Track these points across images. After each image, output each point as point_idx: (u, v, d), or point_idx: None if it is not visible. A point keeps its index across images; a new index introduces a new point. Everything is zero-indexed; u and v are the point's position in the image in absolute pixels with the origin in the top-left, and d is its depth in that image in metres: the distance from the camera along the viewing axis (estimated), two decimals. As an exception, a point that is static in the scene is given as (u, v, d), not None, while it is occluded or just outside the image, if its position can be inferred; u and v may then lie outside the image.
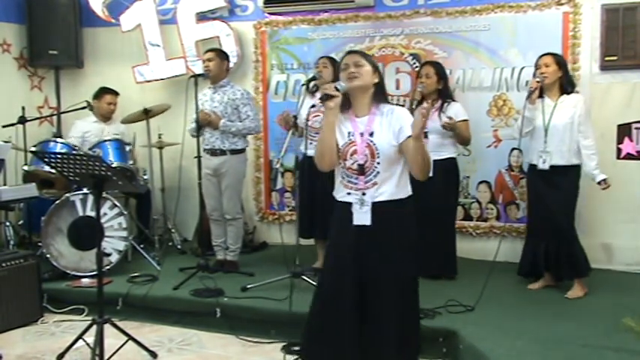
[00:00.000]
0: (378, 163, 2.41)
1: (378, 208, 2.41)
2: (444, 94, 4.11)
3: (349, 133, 2.46)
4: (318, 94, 3.97)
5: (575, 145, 3.69)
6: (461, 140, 4.15)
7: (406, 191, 2.49)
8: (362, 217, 2.42)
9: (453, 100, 4.15)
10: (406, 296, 2.48)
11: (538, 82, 3.70)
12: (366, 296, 2.42)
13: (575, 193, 3.77)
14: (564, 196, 3.74)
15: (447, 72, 4.44)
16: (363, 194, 2.42)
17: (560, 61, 3.76)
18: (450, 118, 3.98)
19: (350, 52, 2.55)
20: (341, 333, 2.43)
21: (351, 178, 2.45)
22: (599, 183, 3.69)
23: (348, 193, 2.46)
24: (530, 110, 3.73)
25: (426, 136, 4.01)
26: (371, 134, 2.42)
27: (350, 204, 2.45)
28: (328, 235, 2.69)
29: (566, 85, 3.75)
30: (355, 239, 2.44)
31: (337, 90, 2.37)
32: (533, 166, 3.83)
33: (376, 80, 2.48)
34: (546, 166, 3.71)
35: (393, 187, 2.43)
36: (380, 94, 2.51)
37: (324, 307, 2.50)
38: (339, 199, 2.51)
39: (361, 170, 2.42)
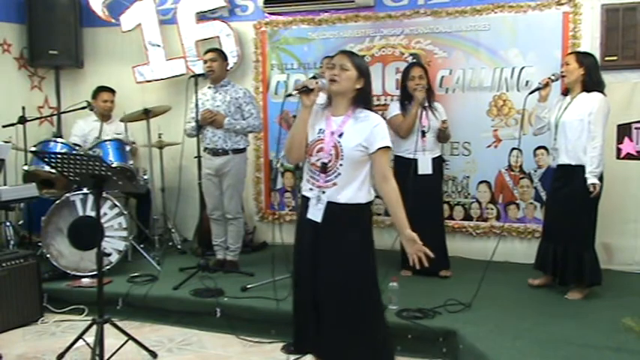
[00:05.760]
0: (341, 165, 2.42)
1: (332, 208, 2.43)
2: (431, 93, 4.23)
3: (320, 130, 2.48)
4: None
5: (584, 143, 3.54)
6: (444, 139, 4.25)
7: (367, 196, 2.49)
8: (315, 212, 2.46)
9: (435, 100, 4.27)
10: (356, 296, 2.46)
11: (549, 79, 3.68)
12: (318, 290, 2.48)
13: (587, 196, 3.52)
14: (570, 197, 3.59)
15: (447, 72, 4.45)
16: (322, 192, 2.45)
17: (582, 60, 3.65)
18: (444, 121, 4.12)
19: (341, 53, 2.54)
20: (304, 322, 2.51)
21: (314, 174, 2.49)
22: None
23: (310, 189, 2.50)
24: (540, 108, 3.70)
25: (423, 135, 4.06)
26: (340, 135, 2.44)
27: (309, 199, 2.49)
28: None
29: (589, 83, 3.62)
30: (311, 233, 2.48)
31: (317, 84, 2.41)
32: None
33: (359, 86, 2.46)
34: (555, 164, 3.69)
35: (353, 191, 2.44)
36: (361, 100, 2.48)
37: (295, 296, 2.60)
38: (302, 193, 2.56)
39: (324, 168, 2.44)
